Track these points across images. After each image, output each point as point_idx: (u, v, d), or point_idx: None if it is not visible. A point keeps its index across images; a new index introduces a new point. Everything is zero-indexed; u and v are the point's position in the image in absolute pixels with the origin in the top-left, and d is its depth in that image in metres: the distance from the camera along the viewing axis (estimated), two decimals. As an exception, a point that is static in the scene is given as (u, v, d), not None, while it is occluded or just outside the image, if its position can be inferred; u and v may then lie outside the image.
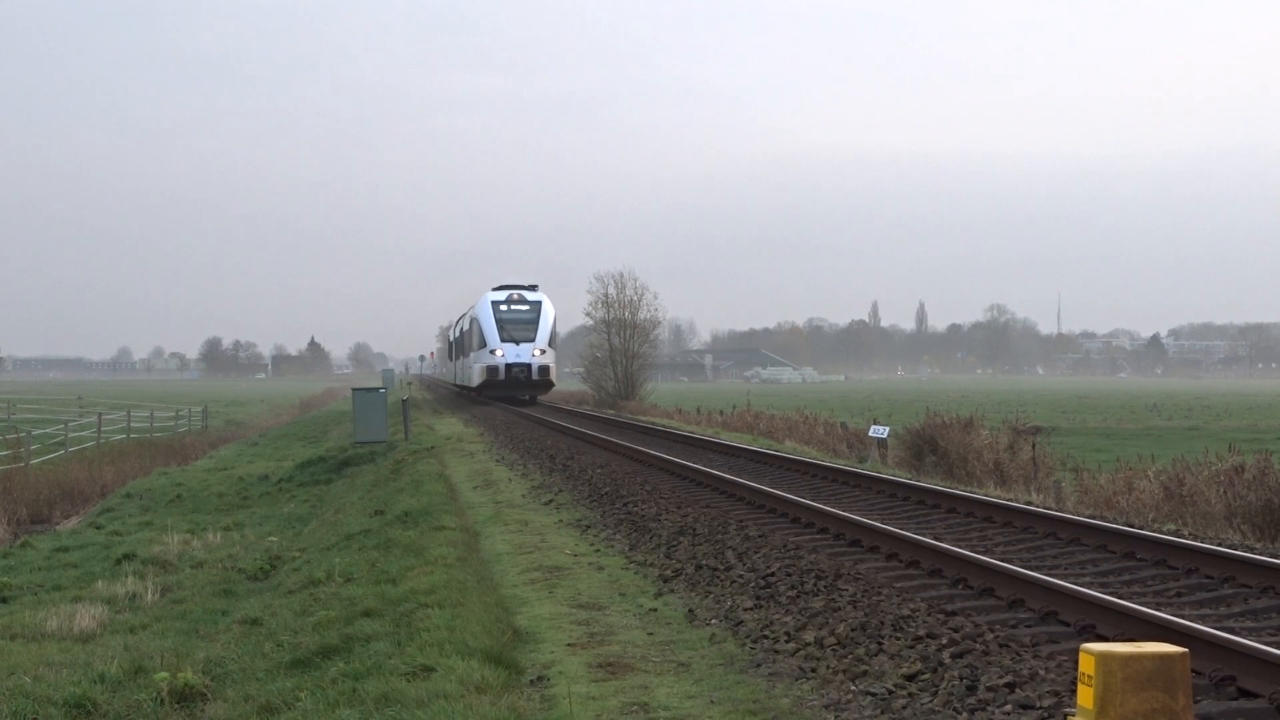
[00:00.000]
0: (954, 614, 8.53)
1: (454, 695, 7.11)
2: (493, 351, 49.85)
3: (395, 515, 16.01)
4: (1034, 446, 26.07)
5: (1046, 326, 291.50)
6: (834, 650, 7.91)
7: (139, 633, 11.76)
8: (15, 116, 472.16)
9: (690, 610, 9.59)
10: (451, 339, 74.02)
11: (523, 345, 49.70)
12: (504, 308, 50.24)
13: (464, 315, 60.28)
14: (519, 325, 50.07)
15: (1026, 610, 8.74)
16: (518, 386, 50.96)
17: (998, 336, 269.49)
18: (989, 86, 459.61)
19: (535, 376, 50.17)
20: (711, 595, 10.08)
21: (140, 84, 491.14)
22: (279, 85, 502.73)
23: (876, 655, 7.68)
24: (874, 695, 6.93)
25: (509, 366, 49.60)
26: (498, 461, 24.73)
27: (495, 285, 51.58)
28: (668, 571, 11.28)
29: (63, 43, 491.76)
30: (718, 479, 17.62)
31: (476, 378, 51.76)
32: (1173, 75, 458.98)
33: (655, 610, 9.72)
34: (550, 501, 17.37)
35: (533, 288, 51.35)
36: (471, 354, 54.20)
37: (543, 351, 50.09)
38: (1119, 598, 8.68)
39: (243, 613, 12.05)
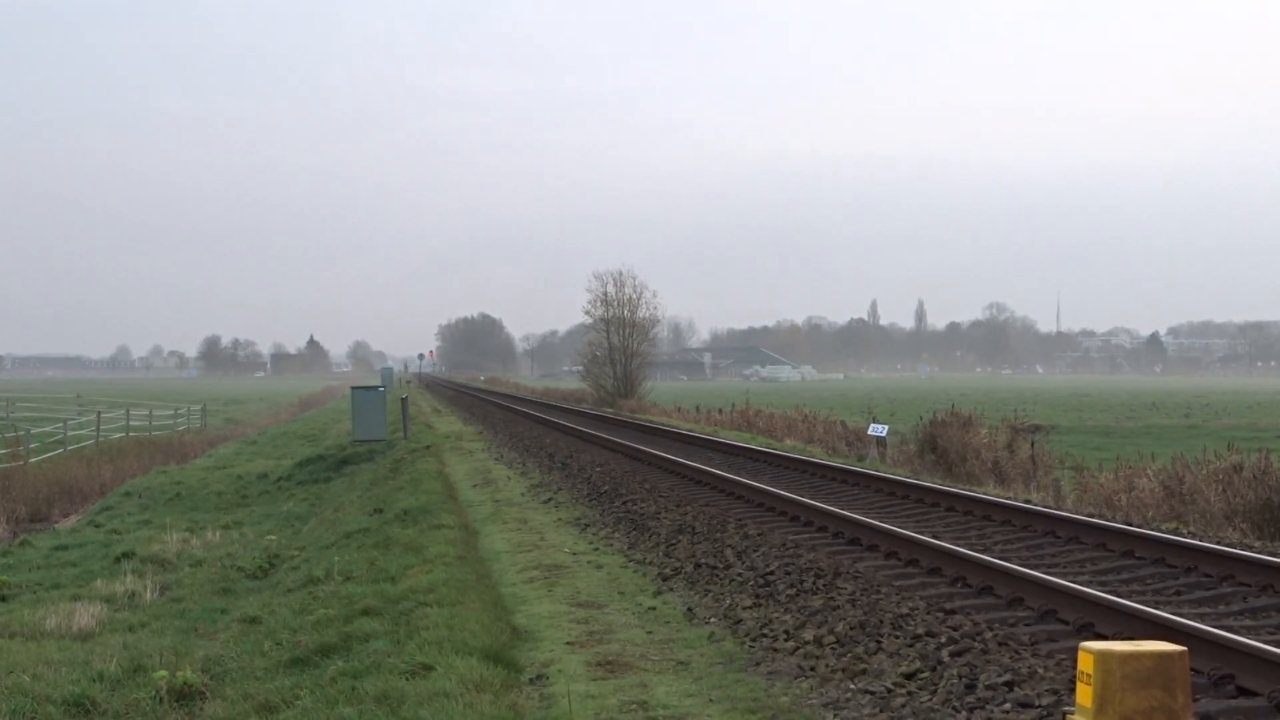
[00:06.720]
0: (953, 612, 8.53)
1: (453, 694, 7.11)
2: None
3: (394, 514, 16.00)
4: (1033, 445, 26.05)
5: (1046, 325, 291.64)
6: (833, 649, 7.91)
7: (138, 631, 11.75)
8: (15, 114, 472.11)
9: (689, 608, 9.59)
10: None
11: None
12: None
13: None
14: None
15: (1025, 609, 8.75)
16: None
17: (997, 335, 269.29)
18: (990, 87, 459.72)
19: None
20: (710, 594, 10.07)
21: (141, 82, 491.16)
22: (280, 84, 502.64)
23: (875, 654, 7.68)
24: (873, 694, 6.92)
25: None
26: (497, 460, 24.71)
27: None
28: (667, 570, 11.27)
29: (61, 42, 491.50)
30: (717, 477, 17.60)
31: None
32: (1173, 76, 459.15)
33: (654, 609, 9.71)
34: (549, 500, 17.36)
35: None
36: None
37: None
38: (1118, 596, 8.68)
39: (242, 611, 12.04)
